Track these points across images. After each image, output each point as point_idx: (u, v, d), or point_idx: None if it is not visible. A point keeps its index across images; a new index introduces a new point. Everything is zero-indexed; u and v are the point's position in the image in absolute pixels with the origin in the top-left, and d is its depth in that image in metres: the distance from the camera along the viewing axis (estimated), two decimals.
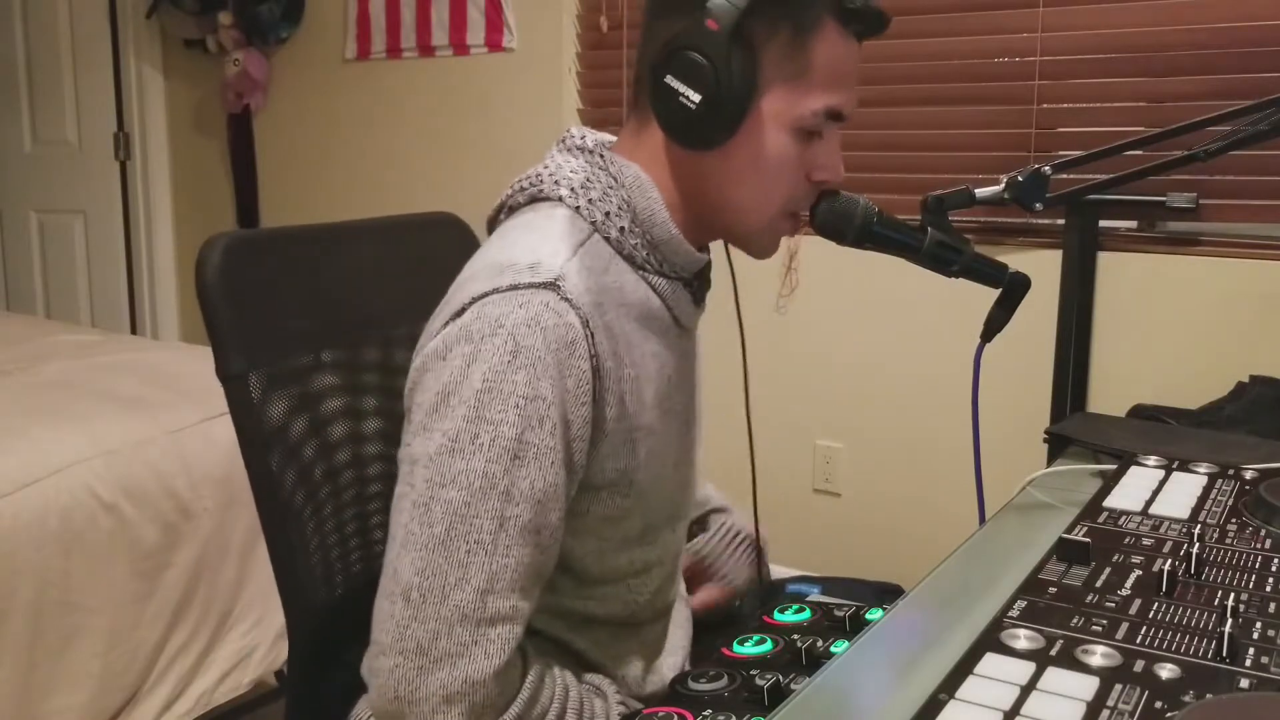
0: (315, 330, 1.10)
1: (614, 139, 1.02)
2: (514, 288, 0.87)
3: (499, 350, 0.85)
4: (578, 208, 0.96)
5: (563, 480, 0.88)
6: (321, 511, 1.08)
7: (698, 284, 1.03)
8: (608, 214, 0.95)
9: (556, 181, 0.97)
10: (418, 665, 0.84)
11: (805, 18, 0.91)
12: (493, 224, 1.03)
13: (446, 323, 0.90)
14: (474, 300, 0.88)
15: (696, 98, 0.89)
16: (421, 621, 0.85)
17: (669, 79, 0.90)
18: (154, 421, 1.90)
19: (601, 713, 0.96)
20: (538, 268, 0.89)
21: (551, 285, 0.88)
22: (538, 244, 0.92)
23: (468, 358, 0.86)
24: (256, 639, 1.96)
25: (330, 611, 1.07)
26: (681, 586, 1.17)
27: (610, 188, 0.96)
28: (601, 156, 0.97)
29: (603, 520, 0.97)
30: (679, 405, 1.03)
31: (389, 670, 0.85)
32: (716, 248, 1.06)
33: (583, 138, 0.99)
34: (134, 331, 3.73)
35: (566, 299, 0.87)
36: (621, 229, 0.95)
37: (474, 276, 0.92)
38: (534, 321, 0.86)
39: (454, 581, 0.84)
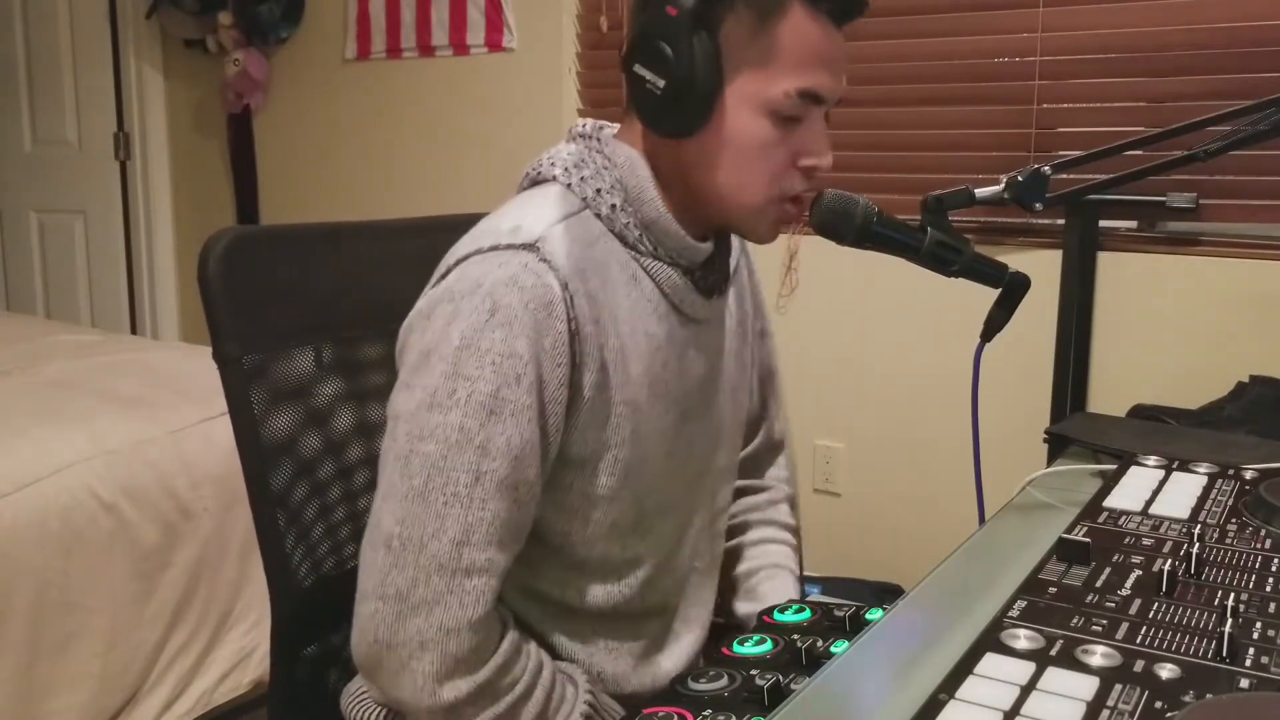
0: (315, 323, 1.12)
1: (614, 127, 1.03)
2: (494, 249, 0.90)
3: (477, 309, 0.88)
4: (569, 185, 0.98)
5: (538, 438, 0.90)
6: (312, 496, 1.09)
7: (701, 274, 1.03)
8: (599, 191, 0.97)
9: (553, 164, 1.00)
10: (396, 611, 0.88)
11: (769, 1, 0.91)
12: None
13: (434, 285, 0.93)
14: (458, 262, 0.92)
15: (661, 83, 0.91)
16: (401, 569, 0.88)
17: (637, 67, 0.93)
18: (154, 421, 1.90)
19: (571, 698, 0.97)
20: (518, 230, 0.92)
21: (531, 247, 0.90)
22: (523, 213, 0.95)
23: (448, 317, 0.89)
24: (256, 639, 1.96)
25: (315, 593, 1.08)
26: (705, 594, 1.15)
27: (604, 167, 0.98)
28: (597, 140, 1.00)
29: (587, 499, 0.98)
30: (676, 393, 1.03)
31: (369, 615, 0.89)
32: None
33: (584, 125, 1.02)
34: (134, 331, 3.73)
35: (545, 260, 0.90)
36: (613, 206, 0.97)
37: (462, 243, 0.95)
38: (512, 281, 0.88)
39: (431, 532, 0.87)
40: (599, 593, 1.03)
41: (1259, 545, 0.90)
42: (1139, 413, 1.65)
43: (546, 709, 0.94)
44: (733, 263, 1.10)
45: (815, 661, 0.98)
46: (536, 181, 1.01)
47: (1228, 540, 0.92)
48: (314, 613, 1.08)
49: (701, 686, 0.94)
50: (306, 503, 1.09)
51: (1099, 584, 0.82)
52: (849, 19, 0.95)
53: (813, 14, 0.92)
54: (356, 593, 0.91)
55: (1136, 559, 0.87)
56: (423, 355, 0.89)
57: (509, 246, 0.90)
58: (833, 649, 1.00)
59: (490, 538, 0.89)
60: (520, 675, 0.93)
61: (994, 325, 1.06)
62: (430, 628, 0.87)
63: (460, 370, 0.87)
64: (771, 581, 1.25)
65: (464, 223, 1.03)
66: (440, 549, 0.87)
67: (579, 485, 0.97)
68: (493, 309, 0.87)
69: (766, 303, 1.24)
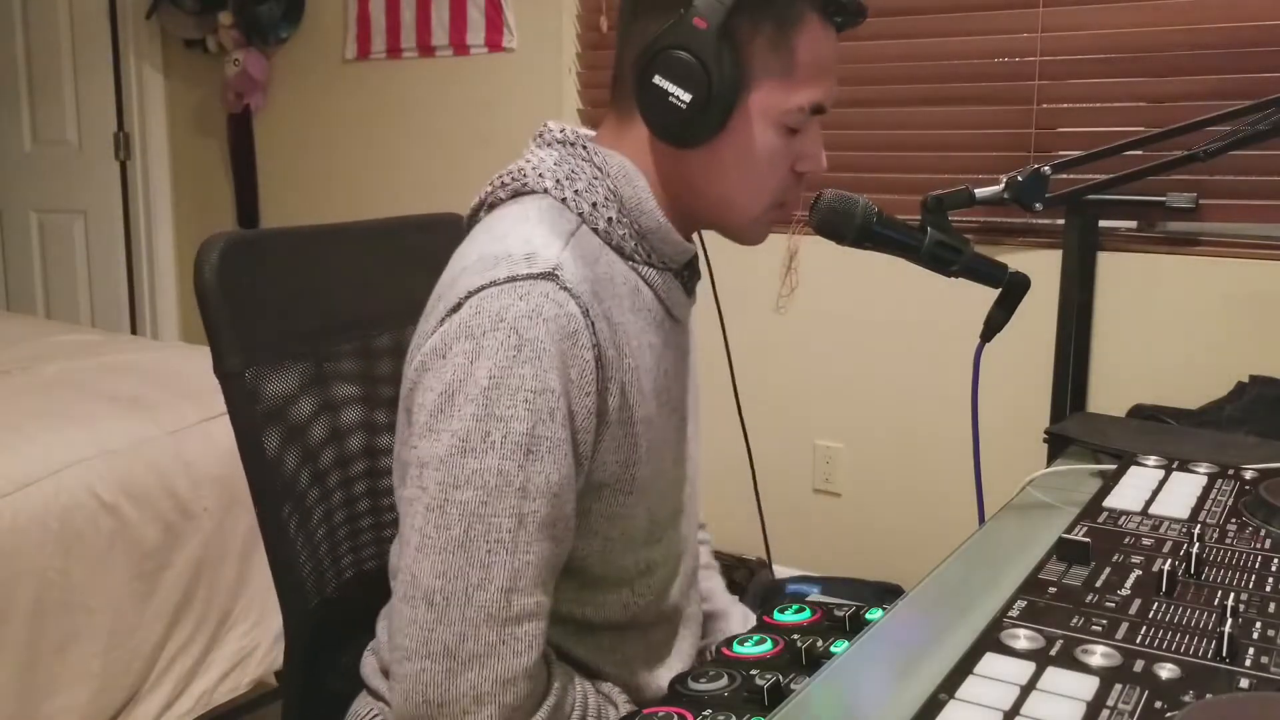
0: (314, 330, 1.11)
1: (593, 133, 1.01)
2: (512, 279, 0.86)
3: (503, 345, 0.83)
4: (564, 199, 0.94)
5: (573, 471, 0.88)
6: (318, 508, 1.08)
7: (687, 274, 1.03)
8: (594, 204, 0.94)
9: (540, 175, 0.96)
10: (445, 668, 0.84)
11: (788, 12, 0.91)
12: (472, 221, 1.01)
13: (443, 319, 0.88)
14: (470, 294, 0.86)
15: (687, 98, 0.89)
16: (447, 624, 0.84)
17: (657, 79, 0.89)
18: (154, 421, 1.90)
19: None
20: (534, 258, 0.87)
21: (550, 275, 0.86)
22: (530, 235, 0.90)
23: (470, 354, 0.84)
24: (256, 639, 1.95)
25: (327, 607, 1.07)
26: (696, 595, 1.15)
27: (595, 178, 0.95)
28: (584, 148, 0.96)
29: (606, 519, 0.96)
30: (675, 399, 1.02)
31: (415, 675, 0.84)
32: (711, 240, 1.06)
33: (560, 130, 0.98)
34: (134, 331, 3.73)
35: (566, 288, 0.86)
36: (609, 219, 0.94)
37: (467, 270, 0.90)
38: (535, 313, 0.84)
39: (476, 582, 0.83)
40: (615, 605, 1.01)
41: (1259, 545, 0.90)
42: (1139, 413, 1.65)
43: None
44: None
45: (815, 661, 0.98)
46: (519, 193, 0.97)
47: (1228, 540, 0.91)
48: (326, 621, 1.07)
49: (701, 686, 0.94)
50: (314, 512, 1.08)
51: (1099, 584, 0.82)
52: (852, 27, 0.96)
53: (824, 24, 0.92)
54: (394, 651, 0.87)
55: (1136, 559, 0.87)
56: (445, 397, 0.84)
57: (528, 276, 0.85)
58: (833, 649, 1.00)
59: (537, 580, 0.86)
60: (571, 709, 0.91)
61: (994, 325, 1.06)
62: (485, 681, 0.84)
63: (492, 411, 0.83)
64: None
65: (464, 222, 1.03)
66: (488, 599, 0.83)
67: (598, 508, 0.95)
68: (519, 344, 0.83)
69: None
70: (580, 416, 0.87)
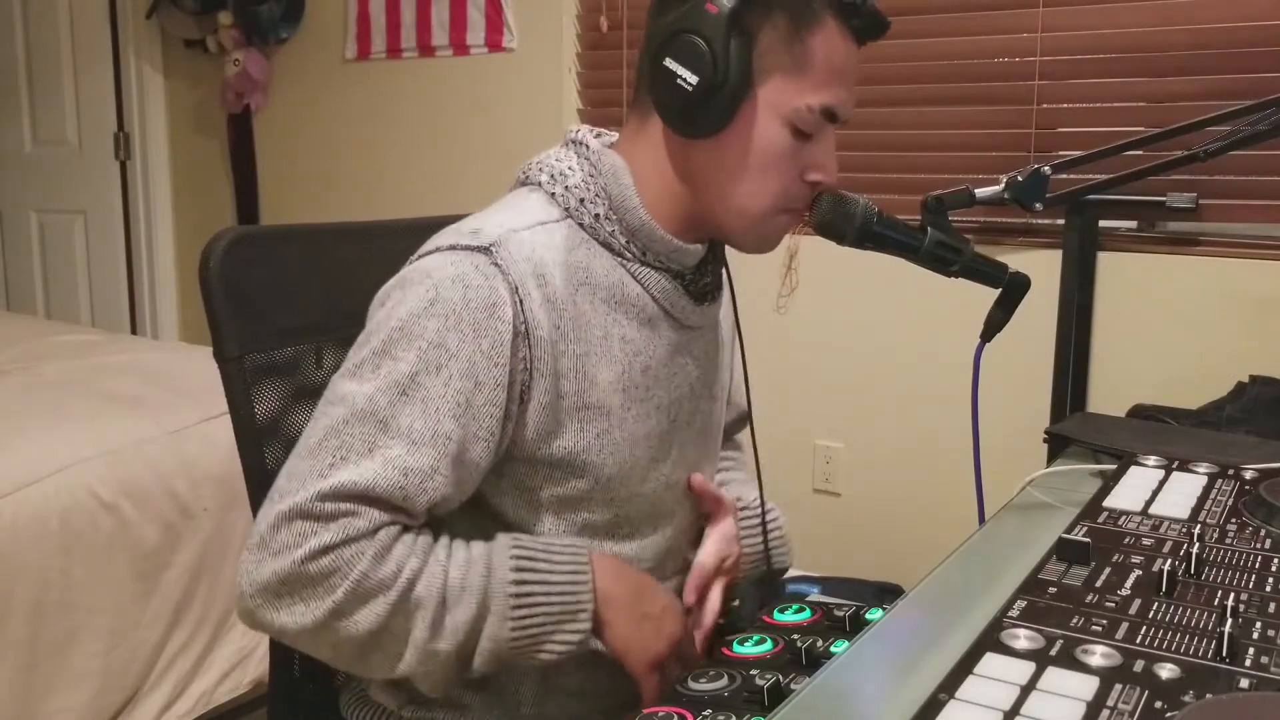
0: (315, 323, 1.13)
1: (613, 136, 1.04)
2: (452, 248, 0.93)
3: (420, 298, 0.90)
4: (553, 194, 0.99)
5: (453, 433, 0.89)
6: None
7: (692, 278, 1.03)
8: (582, 200, 0.98)
9: (540, 169, 1.01)
10: (257, 560, 0.87)
11: (805, 11, 0.92)
12: None
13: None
14: (420, 257, 0.95)
15: (694, 80, 0.91)
16: (269, 519, 0.87)
17: (668, 61, 0.92)
18: (154, 421, 1.90)
19: (480, 556, 0.92)
20: (478, 233, 0.93)
21: (485, 250, 0.92)
22: (492, 216, 0.97)
23: (397, 302, 0.92)
24: (257, 639, 1.95)
25: None
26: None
27: (590, 176, 0.99)
28: (585, 146, 1.01)
29: (557, 500, 0.98)
30: (662, 398, 1.02)
31: (241, 563, 0.88)
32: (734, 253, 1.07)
33: (576, 132, 1.03)
34: (134, 331, 3.73)
35: (497, 264, 0.91)
36: (596, 215, 0.98)
37: (431, 239, 0.97)
38: (459, 279, 0.90)
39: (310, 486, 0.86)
40: None
41: (1259, 545, 0.90)
42: (1139, 413, 1.65)
43: (446, 582, 0.89)
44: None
45: (815, 661, 0.98)
46: (524, 183, 1.03)
47: (1228, 540, 0.92)
48: None
49: (701, 686, 0.94)
50: None
51: (1099, 584, 0.82)
52: (871, 38, 0.96)
53: (842, 31, 0.94)
54: None
55: (1136, 559, 0.87)
56: (366, 334, 0.93)
57: (465, 247, 0.92)
58: (833, 649, 1.00)
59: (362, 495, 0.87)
60: (406, 557, 0.88)
61: (994, 325, 1.06)
62: (284, 570, 0.85)
63: (389, 350, 0.89)
64: (733, 486, 1.24)
65: None
66: (308, 497, 0.85)
67: (548, 487, 0.98)
68: (434, 300, 0.89)
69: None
70: (488, 387, 0.90)
